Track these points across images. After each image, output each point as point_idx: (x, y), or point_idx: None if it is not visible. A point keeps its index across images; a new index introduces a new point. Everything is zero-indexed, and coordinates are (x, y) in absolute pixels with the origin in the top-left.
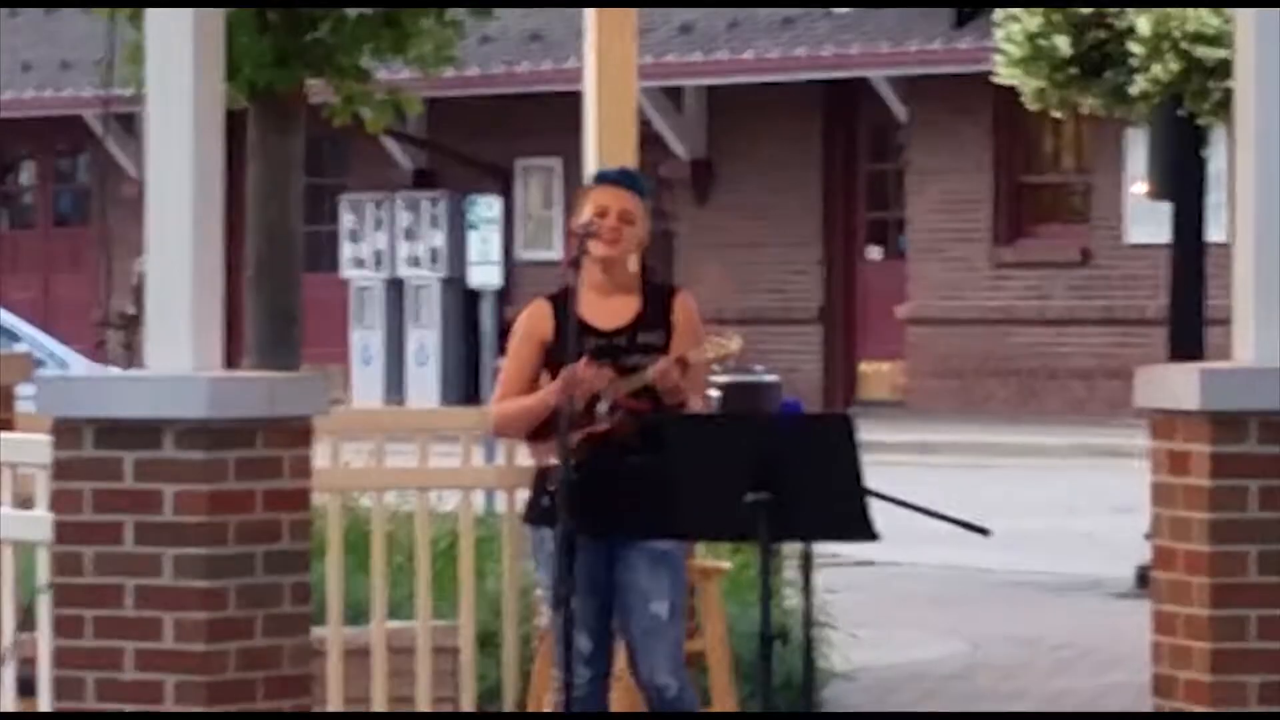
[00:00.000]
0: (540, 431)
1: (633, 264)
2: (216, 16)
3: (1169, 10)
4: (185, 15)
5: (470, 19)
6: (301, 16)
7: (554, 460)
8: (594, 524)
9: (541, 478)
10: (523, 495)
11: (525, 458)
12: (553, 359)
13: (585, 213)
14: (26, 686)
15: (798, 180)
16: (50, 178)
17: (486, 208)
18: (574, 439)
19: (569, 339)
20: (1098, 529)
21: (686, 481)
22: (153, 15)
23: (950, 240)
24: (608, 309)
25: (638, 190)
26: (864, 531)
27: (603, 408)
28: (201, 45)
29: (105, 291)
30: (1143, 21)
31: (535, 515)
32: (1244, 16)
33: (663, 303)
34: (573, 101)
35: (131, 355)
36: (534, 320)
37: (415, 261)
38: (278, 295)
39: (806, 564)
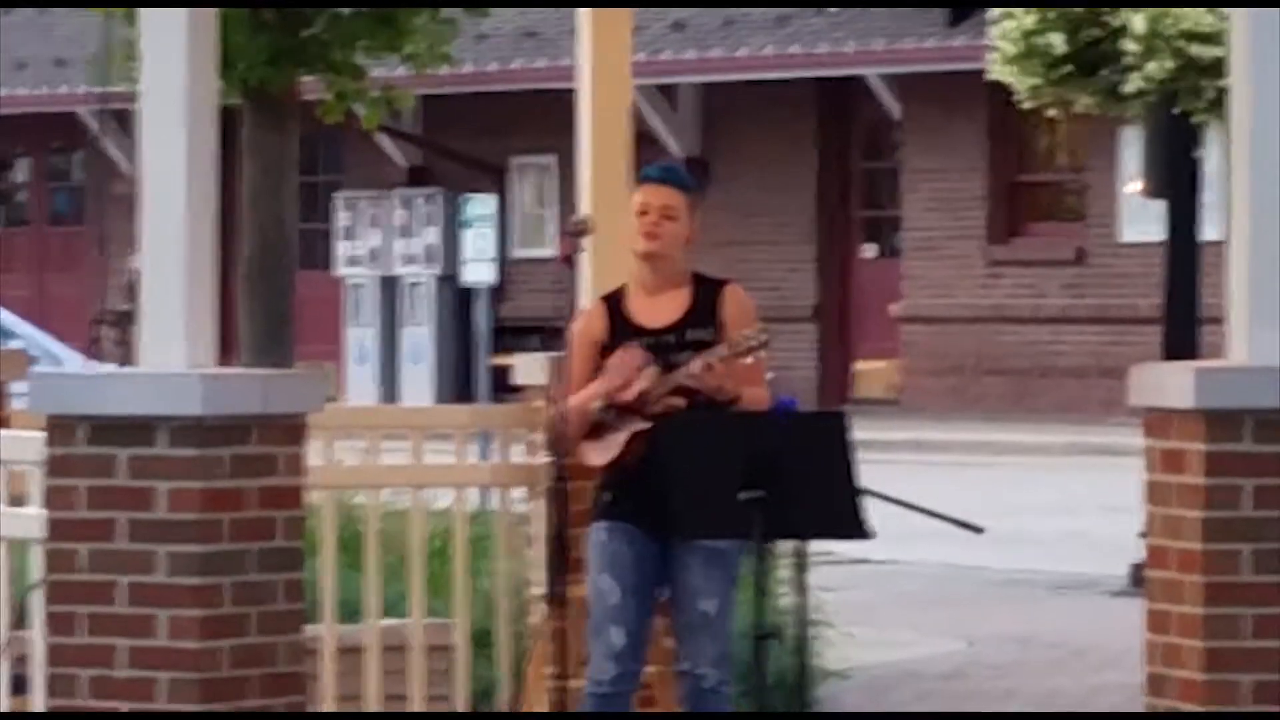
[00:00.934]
0: (591, 431)
1: (680, 260)
2: (210, 14)
3: (1163, 8)
4: (179, 13)
5: (465, 16)
6: (296, 14)
7: (600, 460)
8: (650, 523)
9: (605, 475)
10: (515, 493)
11: (519, 456)
12: (606, 358)
13: (632, 211)
14: (19, 684)
15: (792, 178)
16: (45, 175)
17: (481, 205)
18: (622, 438)
19: (571, 337)
20: (1092, 527)
21: (683, 480)
22: (147, 13)
23: (945, 238)
24: (656, 307)
25: (682, 185)
26: (858, 530)
27: (595, 406)
28: (195, 43)
29: (100, 289)
30: (1137, 20)
31: (595, 510)
32: (1239, 15)
33: (712, 297)
34: (567, 99)
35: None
36: (589, 321)
37: (410, 259)
38: (272, 293)
39: (801, 562)
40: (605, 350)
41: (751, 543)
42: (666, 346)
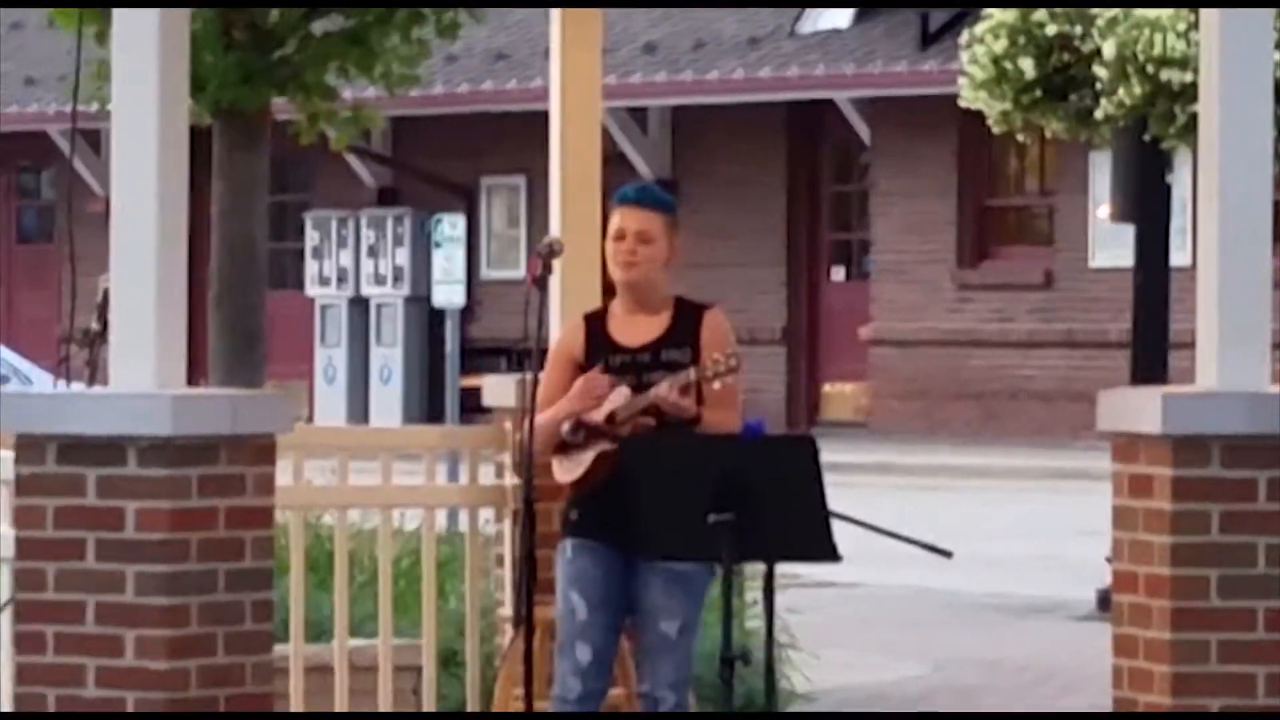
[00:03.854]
0: (559, 448)
1: (661, 283)
2: (182, 35)
3: (1134, 33)
4: (151, 33)
5: (436, 38)
6: (267, 34)
7: (567, 478)
8: (617, 540)
9: (572, 491)
10: (484, 514)
11: (488, 477)
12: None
13: (608, 234)
14: None
15: (762, 201)
16: (14, 194)
17: (451, 226)
18: (588, 457)
19: (533, 361)
20: (1060, 551)
21: (651, 502)
22: (119, 32)
23: (914, 262)
24: (636, 326)
25: (659, 205)
26: (827, 552)
27: (565, 429)
28: (166, 63)
29: (69, 308)
30: (1108, 45)
31: (562, 528)
32: (1210, 41)
33: (691, 320)
34: (538, 120)
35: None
36: (567, 338)
37: (379, 279)
38: (241, 313)
39: (769, 585)
40: (582, 368)
41: (718, 565)
42: (640, 365)
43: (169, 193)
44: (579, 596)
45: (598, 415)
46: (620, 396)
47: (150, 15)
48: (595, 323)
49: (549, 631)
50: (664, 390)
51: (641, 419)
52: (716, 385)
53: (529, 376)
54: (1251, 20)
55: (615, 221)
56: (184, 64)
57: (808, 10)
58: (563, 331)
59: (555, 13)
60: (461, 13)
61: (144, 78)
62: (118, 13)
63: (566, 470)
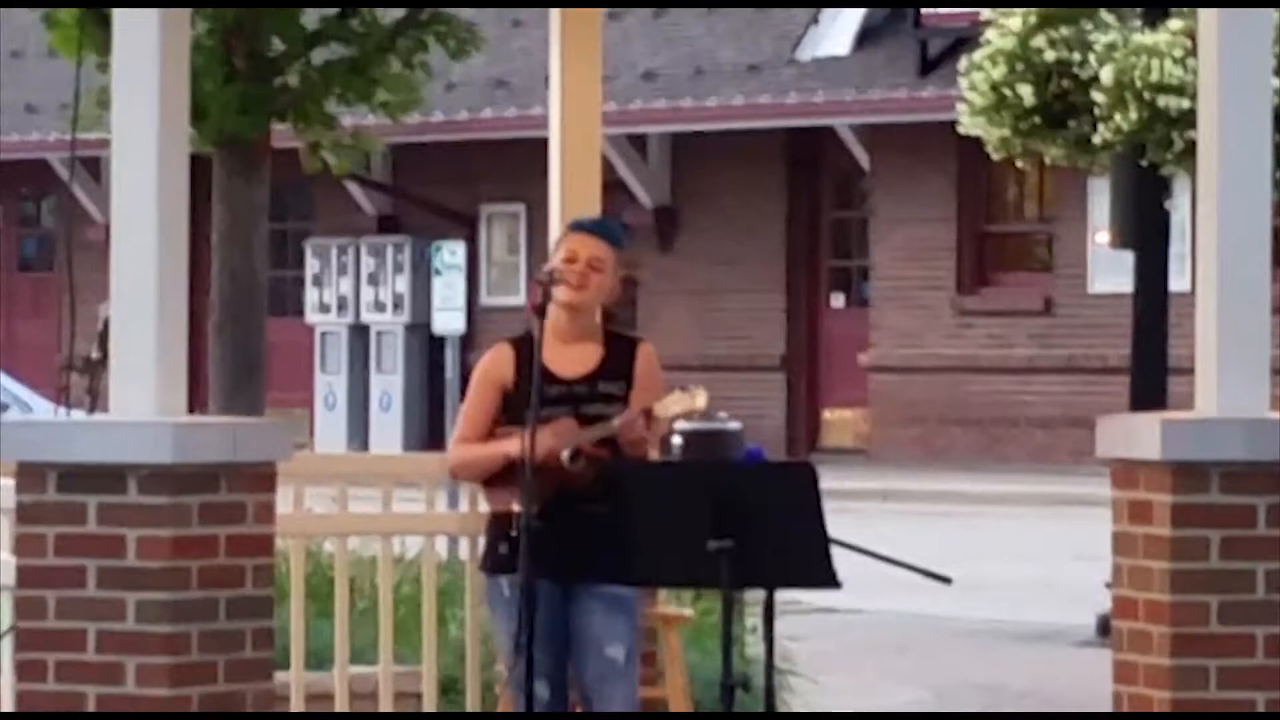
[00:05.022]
0: (498, 478)
1: (597, 313)
2: (182, 63)
3: (1132, 60)
4: (151, 61)
5: (435, 65)
6: (268, 63)
7: (514, 507)
8: (554, 571)
9: (500, 524)
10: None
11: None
12: (512, 404)
13: (556, 258)
14: None
15: (761, 228)
16: (14, 221)
17: (451, 254)
18: (535, 486)
19: (532, 386)
20: (1060, 577)
21: (649, 529)
22: (119, 61)
23: (914, 288)
24: (569, 357)
25: (612, 240)
26: (826, 579)
27: (565, 455)
28: (167, 91)
29: (69, 336)
30: (1106, 71)
31: (493, 563)
32: (1209, 67)
33: (625, 353)
34: (537, 148)
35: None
36: (495, 364)
37: (379, 307)
38: (242, 340)
39: (768, 611)
40: (510, 396)
41: (708, 592)
42: (578, 396)
43: (169, 220)
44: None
45: (558, 453)
46: (571, 432)
47: (151, 43)
48: (524, 350)
49: None
50: (631, 416)
51: (594, 449)
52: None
53: (530, 404)
54: (1250, 46)
55: (568, 245)
56: (184, 92)
57: (807, 37)
58: (490, 355)
59: (555, 40)
60: (463, 38)
61: (144, 106)
62: (118, 41)
63: (505, 500)
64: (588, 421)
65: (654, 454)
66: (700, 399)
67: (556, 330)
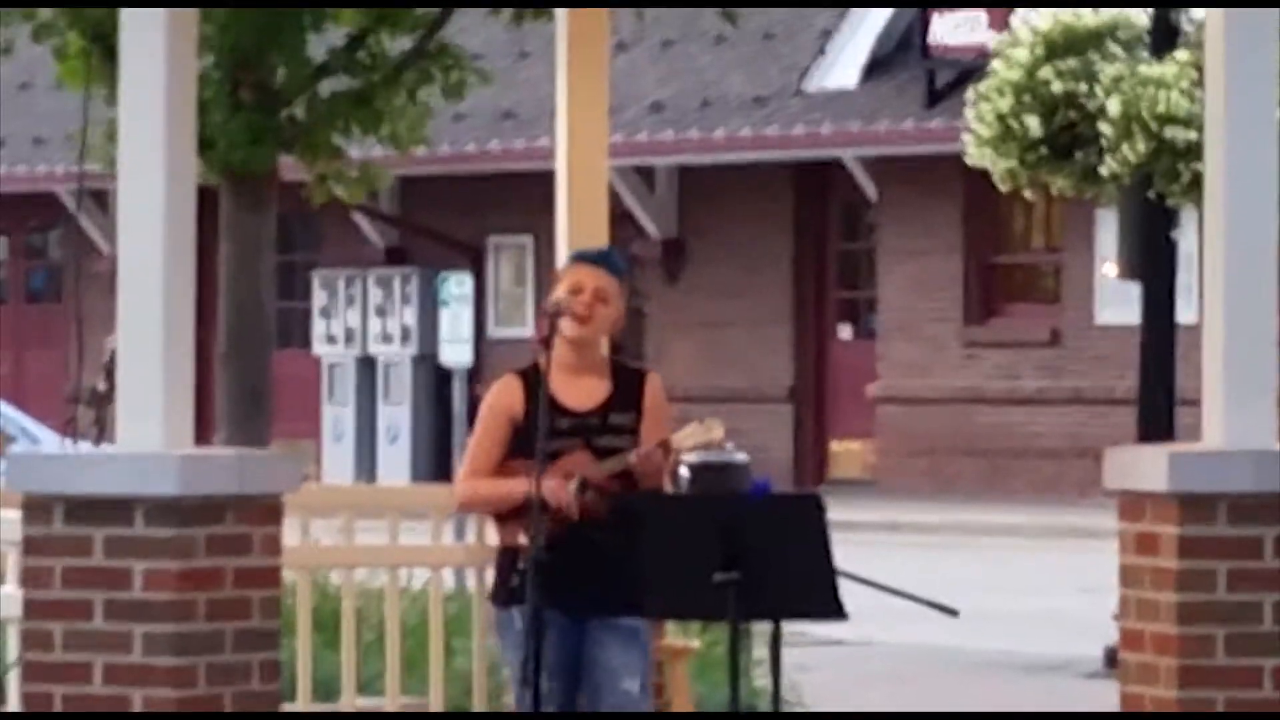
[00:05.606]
0: (509, 511)
1: (604, 345)
2: (189, 95)
3: (1139, 91)
4: (158, 93)
5: (443, 99)
6: (275, 95)
7: (523, 540)
8: (566, 603)
9: (510, 557)
10: (492, 573)
11: (494, 537)
12: (522, 436)
13: (560, 290)
14: None
15: (769, 259)
16: (22, 253)
17: (458, 285)
18: (546, 519)
19: (541, 419)
20: (1067, 609)
21: (656, 561)
22: (126, 92)
23: (921, 320)
24: (579, 389)
25: (615, 271)
26: (833, 611)
27: (572, 486)
28: (173, 123)
29: (77, 368)
30: (1112, 102)
31: (504, 596)
32: (1215, 99)
33: (634, 384)
34: (544, 179)
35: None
36: (505, 396)
37: (387, 338)
38: (249, 372)
39: (775, 643)
40: (520, 428)
41: (704, 621)
42: (590, 428)
43: (176, 252)
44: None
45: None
46: (584, 466)
47: (158, 75)
48: (533, 381)
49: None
50: (648, 454)
51: (606, 481)
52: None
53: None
54: (1257, 77)
55: (572, 277)
56: (191, 124)
57: (814, 68)
58: (498, 388)
59: (562, 72)
60: (469, 72)
61: (151, 138)
62: (125, 73)
63: (515, 534)
64: (600, 454)
65: (666, 485)
66: (717, 431)
67: (563, 363)
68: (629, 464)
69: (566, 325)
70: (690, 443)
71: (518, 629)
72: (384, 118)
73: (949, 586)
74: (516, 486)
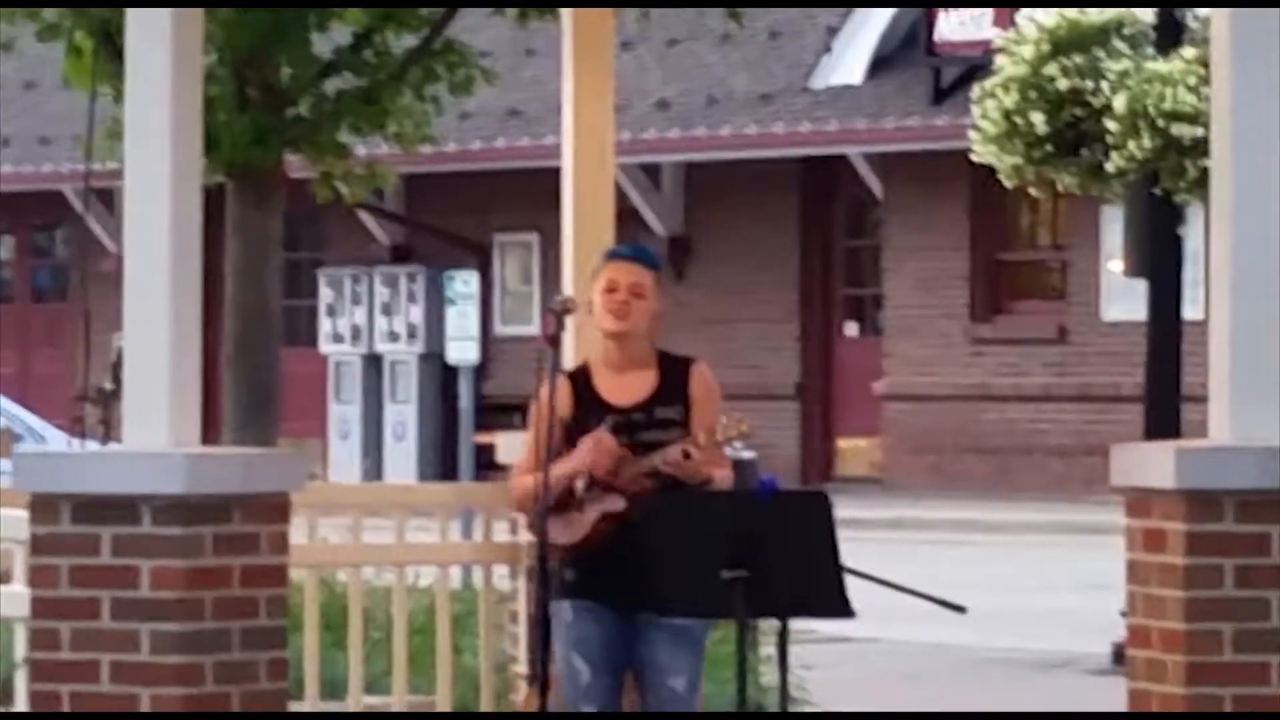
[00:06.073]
0: (556, 507)
1: (647, 338)
2: (195, 94)
3: (1145, 88)
4: (164, 92)
5: (449, 96)
6: (281, 94)
7: (568, 539)
8: (615, 600)
9: (561, 553)
10: (498, 571)
11: (502, 534)
12: (572, 435)
13: (595, 289)
14: None
15: (775, 256)
16: (28, 252)
17: (464, 283)
18: (590, 518)
19: (549, 419)
20: (1074, 606)
21: (664, 558)
22: (132, 91)
23: (927, 317)
24: (624, 385)
25: (650, 264)
26: (840, 608)
27: (580, 485)
28: (180, 121)
29: (83, 367)
30: (1119, 99)
31: (556, 589)
32: (1221, 95)
33: (679, 376)
34: (551, 177)
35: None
36: (555, 397)
37: (393, 336)
38: (255, 370)
39: (783, 640)
40: (570, 427)
41: (720, 620)
42: (635, 425)
43: (182, 251)
44: (582, 660)
45: (599, 471)
46: (608, 453)
47: (164, 74)
48: (581, 381)
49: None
50: (676, 455)
51: (643, 480)
52: (725, 447)
53: (538, 433)
54: (1263, 75)
55: (607, 275)
56: (198, 123)
57: (820, 66)
58: (547, 390)
59: (568, 69)
60: (475, 70)
61: (157, 136)
62: (131, 72)
63: (566, 532)
64: (644, 449)
65: (723, 474)
66: (745, 425)
67: (608, 360)
68: (655, 466)
69: (606, 322)
70: (719, 437)
71: (567, 622)
72: (389, 116)
73: (956, 584)
74: (564, 467)
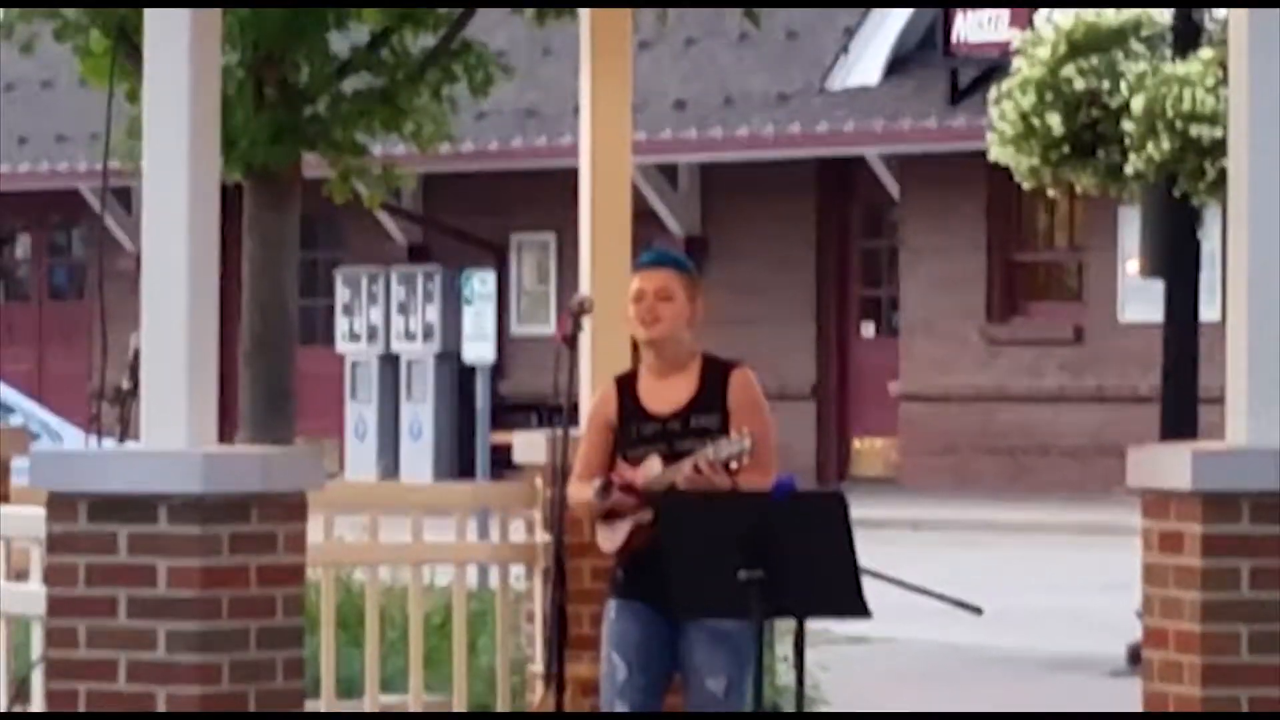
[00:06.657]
0: (608, 512)
1: (686, 340)
2: (213, 93)
3: (1163, 89)
4: (182, 91)
5: (466, 95)
6: (298, 93)
7: (609, 547)
8: (659, 602)
9: (615, 555)
10: (515, 571)
11: (518, 533)
12: (619, 441)
13: (630, 299)
14: None
15: (792, 257)
16: (45, 251)
17: (481, 283)
18: (625, 527)
19: (563, 422)
20: (1090, 606)
21: (680, 559)
22: (150, 91)
23: (944, 317)
24: (664, 391)
25: (676, 266)
26: (857, 608)
27: (591, 491)
28: (197, 121)
29: (100, 365)
30: (1136, 100)
31: (609, 588)
32: (1239, 95)
33: (719, 383)
34: (568, 177)
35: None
36: (602, 403)
37: (410, 336)
38: (272, 370)
39: (799, 641)
40: (616, 432)
41: (755, 623)
42: (671, 434)
43: (200, 250)
44: (619, 658)
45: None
46: (651, 469)
47: (182, 73)
48: (626, 386)
49: (580, 688)
50: (688, 471)
51: (626, 485)
52: (732, 465)
53: (559, 433)
54: None
55: (634, 284)
56: (215, 122)
57: (837, 67)
58: (597, 395)
59: (585, 70)
60: (493, 69)
61: (175, 136)
62: (149, 71)
63: (608, 539)
64: (680, 457)
65: (763, 479)
66: (747, 441)
67: (650, 366)
68: (671, 481)
69: (638, 331)
70: (713, 457)
71: (611, 619)
72: (407, 115)
73: (972, 584)
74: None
